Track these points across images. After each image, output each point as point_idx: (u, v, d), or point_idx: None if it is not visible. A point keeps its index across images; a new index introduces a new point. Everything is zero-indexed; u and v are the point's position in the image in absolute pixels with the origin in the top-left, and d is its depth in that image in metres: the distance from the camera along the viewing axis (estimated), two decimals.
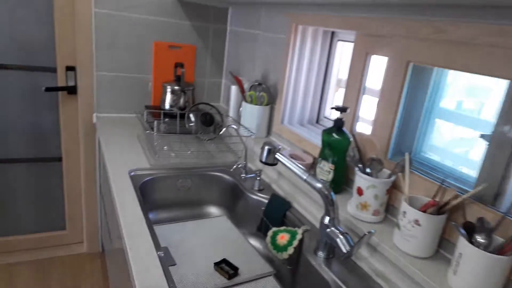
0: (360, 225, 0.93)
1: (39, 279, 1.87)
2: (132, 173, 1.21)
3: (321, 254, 0.92)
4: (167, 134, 1.55)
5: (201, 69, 1.91)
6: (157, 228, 1.15)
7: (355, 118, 1.13)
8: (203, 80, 1.94)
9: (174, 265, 1.01)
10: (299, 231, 1.00)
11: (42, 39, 1.69)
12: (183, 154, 1.37)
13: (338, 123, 1.04)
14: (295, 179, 1.18)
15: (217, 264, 1.02)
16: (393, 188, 0.95)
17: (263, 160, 0.96)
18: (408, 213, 0.81)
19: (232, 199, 1.31)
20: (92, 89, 1.73)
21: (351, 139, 1.03)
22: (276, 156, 0.94)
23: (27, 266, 1.94)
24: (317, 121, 1.51)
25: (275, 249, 1.01)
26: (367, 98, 1.12)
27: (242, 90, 1.53)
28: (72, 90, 1.77)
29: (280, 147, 0.97)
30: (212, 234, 1.17)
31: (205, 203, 1.34)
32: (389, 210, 0.98)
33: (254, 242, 1.21)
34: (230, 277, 0.98)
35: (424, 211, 0.79)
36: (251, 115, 1.48)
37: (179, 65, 1.66)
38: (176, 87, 1.65)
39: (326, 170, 1.07)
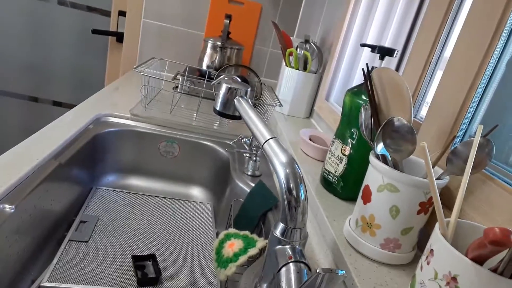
0: (354, 261, 0.48)
1: None
2: (102, 119, 0.93)
3: None
4: (186, 94, 1.25)
5: (264, 34, 1.57)
6: (101, 192, 0.86)
7: (417, 96, 0.66)
8: (266, 49, 1.60)
9: (84, 241, 0.71)
10: (260, 242, 0.59)
11: None
12: (184, 114, 1.05)
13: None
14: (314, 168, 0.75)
15: (135, 259, 0.68)
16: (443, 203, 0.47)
17: (218, 107, 0.57)
18: (438, 256, 0.34)
19: (223, 182, 0.94)
20: (138, 39, 1.54)
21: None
22: (235, 102, 0.55)
23: None
24: None
25: (217, 261, 0.62)
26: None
27: (283, 52, 1.15)
28: (120, 38, 1.62)
29: (248, 89, 0.57)
30: (177, 222, 0.83)
31: (191, 182, 1.00)
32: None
33: None
34: (140, 282, 0.63)
35: (479, 260, 0.32)
36: (287, 82, 1.08)
37: (226, 17, 1.35)
38: (218, 42, 1.34)
39: (336, 156, 0.62)
